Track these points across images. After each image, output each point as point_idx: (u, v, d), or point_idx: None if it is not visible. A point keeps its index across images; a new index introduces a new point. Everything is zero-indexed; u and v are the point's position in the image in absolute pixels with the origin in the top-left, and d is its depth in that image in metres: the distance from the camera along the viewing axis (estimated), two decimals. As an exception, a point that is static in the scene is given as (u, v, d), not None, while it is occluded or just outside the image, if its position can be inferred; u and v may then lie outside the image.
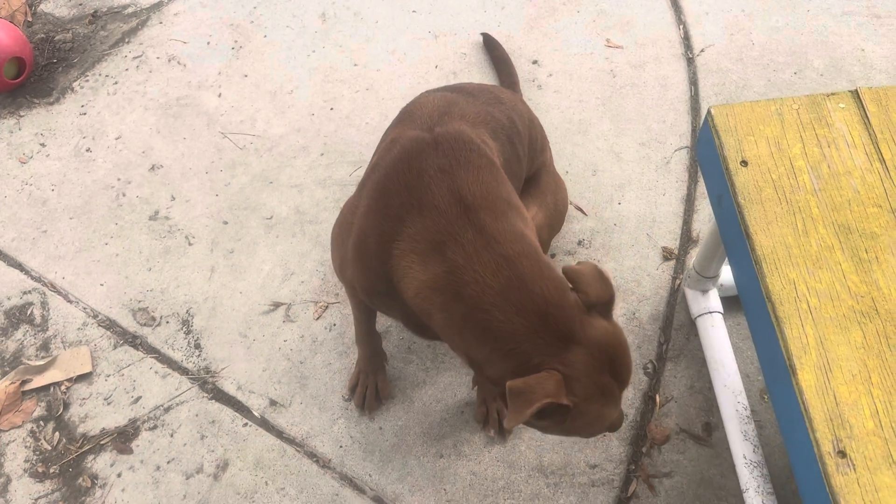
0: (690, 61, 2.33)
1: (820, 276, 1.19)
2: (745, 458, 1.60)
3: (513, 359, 1.11)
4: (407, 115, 1.42)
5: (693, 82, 2.28)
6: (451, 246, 1.15)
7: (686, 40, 2.38)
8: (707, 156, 1.41)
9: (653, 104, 2.23)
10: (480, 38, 2.38)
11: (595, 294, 1.14)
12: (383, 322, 1.87)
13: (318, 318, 1.91)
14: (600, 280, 1.16)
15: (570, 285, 1.16)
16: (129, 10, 2.60)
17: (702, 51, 2.35)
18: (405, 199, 1.21)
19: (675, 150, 2.13)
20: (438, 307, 1.17)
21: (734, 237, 1.31)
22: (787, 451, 1.17)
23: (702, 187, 2.05)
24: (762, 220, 1.26)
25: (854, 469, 1.03)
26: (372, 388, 1.75)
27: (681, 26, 2.41)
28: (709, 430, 1.71)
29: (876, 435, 1.05)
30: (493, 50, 2.31)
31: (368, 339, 1.71)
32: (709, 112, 1.38)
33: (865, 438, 1.05)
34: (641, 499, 1.63)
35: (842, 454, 1.04)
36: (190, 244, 2.05)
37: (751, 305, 1.27)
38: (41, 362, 1.87)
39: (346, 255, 1.37)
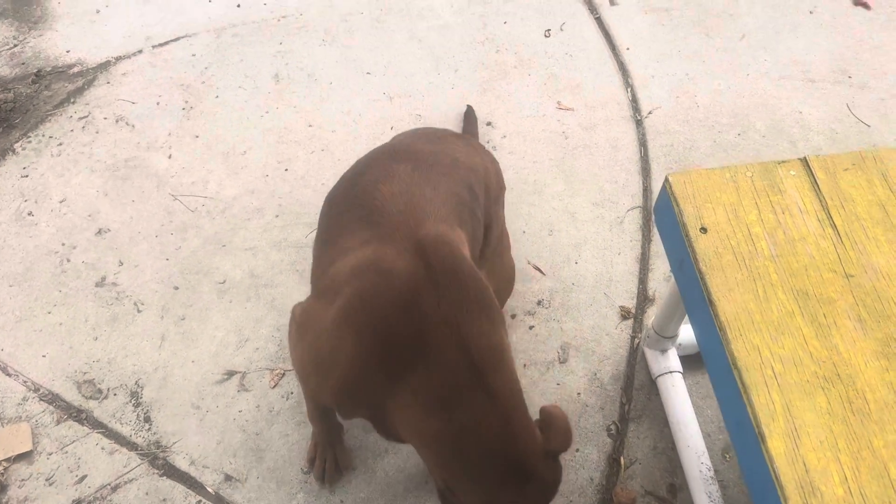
0: (639, 123, 2.39)
1: (782, 342, 1.21)
2: (711, 520, 1.60)
3: (485, 497, 1.19)
4: (370, 208, 1.35)
5: (642, 143, 2.34)
6: (459, 407, 1.17)
7: (634, 102, 2.45)
8: (666, 222, 1.44)
9: (604, 164, 2.28)
10: (434, 100, 2.40)
11: (557, 444, 1.22)
12: (343, 389, 1.82)
13: (274, 387, 1.85)
14: (566, 432, 1.24)
15: (539, 424, 1.24)
16: (75, 69, 2.55)
17: (649, 113, 2.42)
18: (410, 349, 1.18)
19: (628, 210, 2.17)
20: (432, 450, 1.21)
21: (696, 302, 1.32)
22: (758, 519, 1.16)
23: (655, 247, 2.09)
24: (723, 286, 1.28)
25: (828, 538, 1.03)
26: (331, 459, 1.69)
27: (628, 89, 2.49)
28: (674, 491, 1.70)
29: (846, 502, 1.06)
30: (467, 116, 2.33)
31: (323, 416, 1.64)
32: (667, 180, 1.41)
33: (837, 506, 1.06)
34: (610, 566, 1.60)
35: (815, 523, 1.05)
36: (139, 311, 1.98)
37: (716, 370, 1.28)
38: (-24, 441, 1.76)
39: (324, 375, 1.30)
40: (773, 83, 2.52)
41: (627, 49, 2.61)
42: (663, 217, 1.46)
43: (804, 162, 1.44)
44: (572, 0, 2.77)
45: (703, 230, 1.34)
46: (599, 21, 2.70)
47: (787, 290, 1.27)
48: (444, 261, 1.24)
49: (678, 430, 1.73)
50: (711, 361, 1.30)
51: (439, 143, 1.59)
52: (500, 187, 1.73)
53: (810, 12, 2.75)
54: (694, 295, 1.33)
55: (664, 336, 1.78)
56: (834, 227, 1.34)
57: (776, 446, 1.11)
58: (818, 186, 1.40)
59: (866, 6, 2.77)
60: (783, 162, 1.44)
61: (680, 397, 1.77)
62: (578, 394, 1.84)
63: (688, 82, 2.51)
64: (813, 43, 2.65)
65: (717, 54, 2.61)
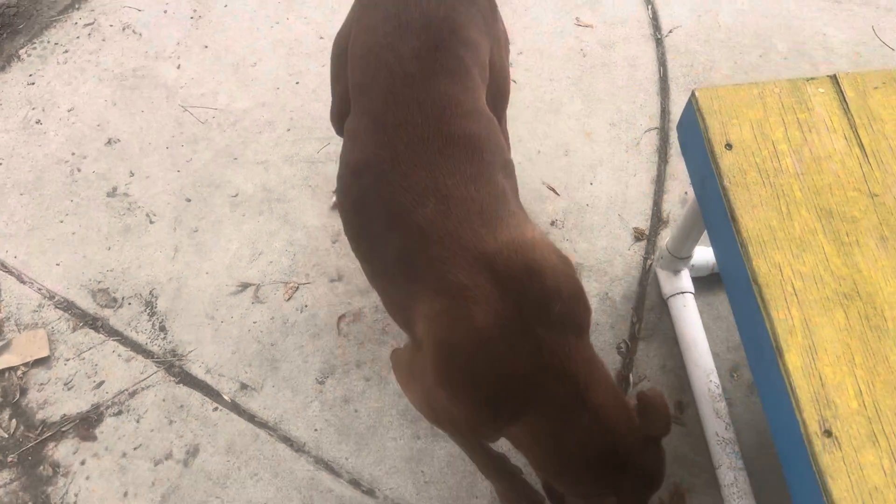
0: (659, 42, 2.33)
1: (804, 259, 1.21)
2: (717, 435, 1.64)
3: (585, 490, 1.20)
4: (416, 235, 1.18)
5: (662, 63, 2.29)
6: (568, 432, 1.16)
7: (654, 21, 2.39)
8: (690, 138, 1.42)
9: (623, 84, 2.24)
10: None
11: (657, 429, 1.22)
12: (356, 304, 1.84)
13: (288, 300, 1.86)
14: (664, 416, 1.23)
15: (638, 410, 1.23)
16: (79, -27, 2.47)
17: (670, 31, 2.36)
18: (514, 394, 1.15)
19: (645, 132, 2.14)
20: (532, 452, 1.22)
21: (718, 220, 1.32)
22: (770, 431, 1.19)
23: (671, 169, 2.07)
24: (747, 203, 1.27)
25: (840, 448, 1.05)
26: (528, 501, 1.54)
27: (649, 6, 2.41)
28: (681, 408, 1.73)
29: (860, 414, 1.08)
30: None
31: (496, 467, 1.50)
32: (693, 95, 1.38)
33: (850, 418, 1.08)
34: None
35: (828, 434, 1.07)
36: (151, 222, 1.98)
37: (735, 287, 1.28)
38: (-6, 346, 1.79)
39: (449, 423, 1.30)
40: (798, 3, 2.44)
41: (649, -36, 2.52)
42: (688, 133, 1.44)
43: (833, 79, 1.40)
44: (594, -89, 2.65)
45: (729, 146, 1.32)
46: (621, -66, 2.60)
47: (811, 208, 1.26)
48: (518, 277, 1.14)
49: (688, 349, 1.75)
50: (731, 278, 1.30)
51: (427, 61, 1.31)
52: (504, 39, 1.57)
53: (840, -70, 2.64)
54: (716, 212, 1.32)
55: (678, 257, 1.78)
56: (861, 145, 1.32)
57: (793, 361, 1.12)
58: (847, 105, 1.37)
59: (899, -76, 2.66)
60: (812, 79, 1.41)
61: (691, 317, 1.79)
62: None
63: (710, 1, 2.43)
64: (841, -38, 2.55)
65: (742, -28, 2.52)
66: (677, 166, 2.07)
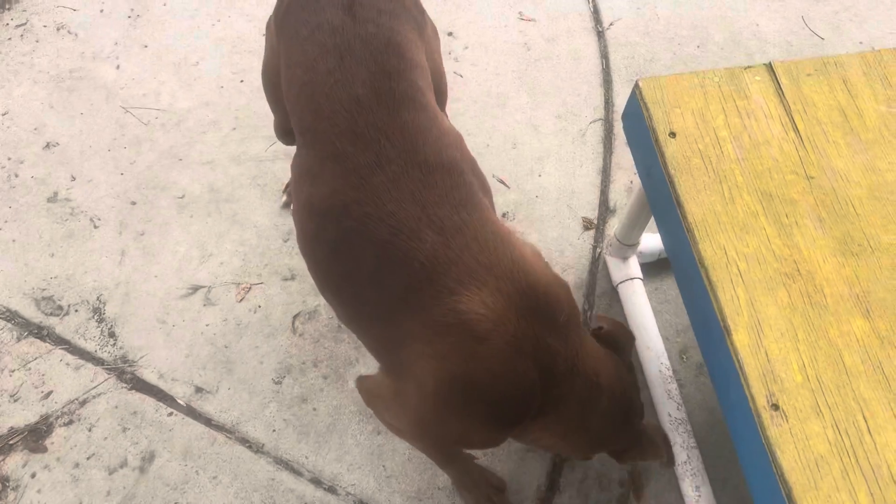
0: (601, 35, 2.38)
1: (747, 241, 1.26)
2: (669, 415, 1.69)
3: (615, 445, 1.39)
4: (397, 261, 1.15)
5: (604, 55, 2.33)
6: (592, 417, 1.28)
7: (596, 14, 2.43)
8: (635, 128, 1.46)
9: (567, 77, 2.27)
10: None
11: (627, 355, 1.43)
12: (311, 303, 1.83)
13: (241, 301, 1.84)
14: (629, 339, 1.46)
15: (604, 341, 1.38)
16: (8, -27, 2.39)
17: (611, 24, 2.40)
18: (545, 400, 1.21)
19: (590, 123, 2.18)
20: (567, 447, 1.33)
21: (665, 206, 1.35)
22: (721, 407, 1.23)
23: (617, 158, 2.12)
24: (692, 189, 1.31)
25: (787, 420, 1.10)
26: (485, 487, 1.59)
27: (590, 0, 2.46)
28: (634, 391, 1.78)
29: (804, 388, 1.13)
30: None
31: (451, 458, 1.54)
32: (637, 85, 1.42)
33: (795, 391, 1.12)
34: (574, 462, 1.68)
35: (775, 407, 1.11)
36: (95, 227, 1.93)
37: (682, 271, 1.32)
38: (-67, 360, 1.72)
39: (440, 441, 1.36)
40: (732, -5, 2.52)
41: (589, -41, 2.56)
42: (632, 123, 1.47)
43: (769, 67, 1.46)
44: None
45: (672, 135, 1.36)
46: (560, -71, 2.64)
47: (752, 192, 1.31)
48: (527, 296, 1.16)
49: (639, 333, 1.79)
50: (678, 262, 1.34)
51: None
52: (434, 35, 1.54)
53: (769, -76, 2.73)
54: (662, 199, 1.36)
55: (626, 244, 1.83)
56: (797, 130, 1.38)
57: (741, 339, 1.17)
58: (782, 91, 1.43)
59: (823, -82, 2.77)
60: (749, 67, 1.46)
61: (640, 302, 1.83)
62: (543, 302, 1.88)
63: (648, -6, 2.50)
64: (771, -45, 2.65)
65: (678, -35, 2.59)
66: (623, 156, 2.11)
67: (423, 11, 1.45)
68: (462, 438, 1.28)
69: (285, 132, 1.54)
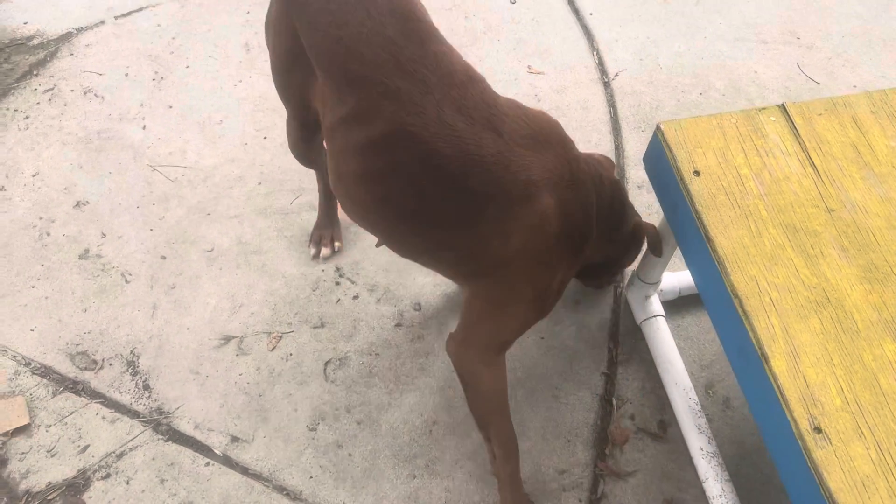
0: (607, 85, 2.48)
1: (776, 272, 1.31)
2: (701, 449, 1.71)
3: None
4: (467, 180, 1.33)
5: (611, 104, 2.43)
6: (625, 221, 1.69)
7: (601, 65, 2.53)
8: (658, 168, 1.52)
9: (577, 125, 2.36)
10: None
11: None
12: (341, 350, 1.87)
13: (272, 349, 1.87)
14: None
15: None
16: (35, 41, 2.48)
17: (616, 75, 2.51)
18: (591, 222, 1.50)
19: (603, 168, 2.25)
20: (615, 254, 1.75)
21: (693, 241, 1.41)
22: (762, 433, 1.26)
23: (632, 201, 2.18)
24: (719, 223, 1.37)
25: (830, 442, 1.14)
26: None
27: (594, 53, 2.57)
28: (664, 427, 1.81)
29: (844, 410, 1.17)
30: None
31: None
32: (658, 128, 1.49)
33: (836, 414, 1.16)
34: (610, 498, 1.70)
35: (818, 430, 1.15)
36: (127, 282, 1.97)
37: (715, 303, 1.37)
38: (-30, 418, 1.73)
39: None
40: (729, 45, 2.64)
41: (591, 14, 2.68)
42: (655, 164, 1.54)
43: (782, 108, 1.54)
44: (535, -33, 2.83)
45: (697, 173, 1.43)
46: (562, -13, 2.77)
47: (777, 225, 1.37)
48: (564, 144, 1.48)
49: (665, 370, 1.83)
50: (710, 294, 1.39)
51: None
52: None
53: (759, -23, 2.88)
54: (690, 234, 1.42)
55: (648, 282, 1.88)
56: (813, 166, 1.45)
57: (779, 365, 1.21)
58: (797, 130, 1.50)
59: (809, -29, 2.92)
60: (763, 109, 1.54)
61: (665, 339, 1.87)
62: (568, 342, 1.92)
63: (650, 45, 2.61)
64: (763, 6, 2.78)
65: (675, 18, 2.71)
66: (636, 199, 2.18)
67: None
68: (563, 283, 1.50)
69: (302, 124, 1.68)
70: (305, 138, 1.74)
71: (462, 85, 1.35)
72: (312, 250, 2.01)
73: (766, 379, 1.22)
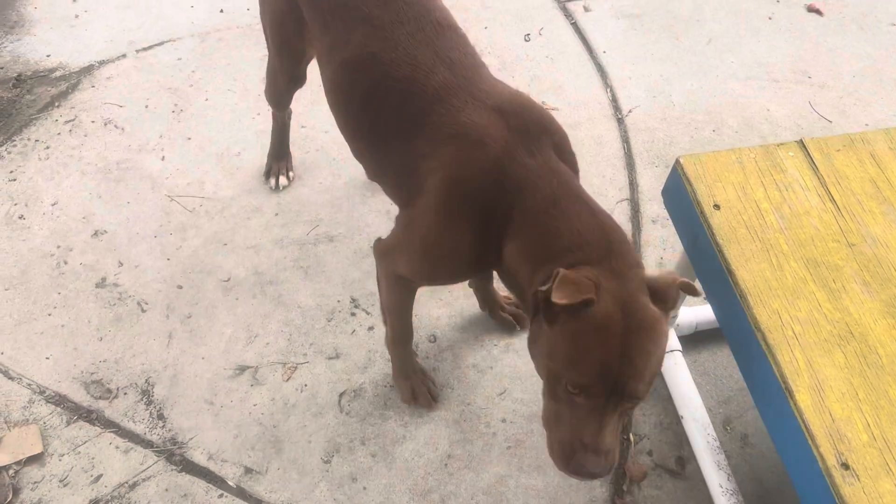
0: (620, 121, 2.50)
1: (799, 306, 1.31)
2: (721, 486, 1.68)
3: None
4: (419, 103, 1.40)
5: (625, 140, 2.45)
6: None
7: (614, 102, 2.56)
8: (677, 201, 1.53)
9: (591, 160, 2.38)
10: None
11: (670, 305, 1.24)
12: (356, 381, 1.86)
13: (287, 380, 1.86)
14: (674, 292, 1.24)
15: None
16: (57, 73, 2.52)
17: (629, 111, 2.53)
18: (509, 205, 1.32)
19: (617, 202, 2.26)
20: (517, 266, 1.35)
21: (714, 274, 1.41)
22: (787, 469, 1.25)
23: (645, 236, 2.19)
24: (740, 257, 1.37)
25: (858, 479, 1.12)
26: (426, 382, 1.84)
27: (608, 89, 2.60)
28: (682, 463, 1.78)
29: (871, 446, 1.15)
30: None
31: (406, 338, 1.77)
32: (678, 162, 1.50)
33: (863, 450, 1.15)
34: (629, 536, 1.67)
35: (845, 466, 1.13)
36: (143, 311, 1.97)
37: (736, 336, 1.37)
38: (-17, 446, 1.72)
39: (442, 262, 1.45)
40: (741, 83, 2.66)
41: (604, 52, 2.72)
42: (673, 197, 1.55)
43: (801, 144, 1.55)
44: (548, 6, 2.88)
45: (717, 207, 1.44)
46: (576, 26, 2.81)
47: (798, 259, 1.37)
48: (522, 117, 1.35)
49: (683, 406, 1.81)
50: (731, 328, 1.39)
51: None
52: None
53: (769, 18, 2.92)
54: (711, 267, 1.42)
55: (665, 317, 1.87)
56: (833, 201, 1.45)
57: (803, 400, 1.20)
58: (815, 166, 1.51)
59: (819, 13, 2.96)
60: (782, 144, 1.55)
61: (682, 374, 1.86)
62: (584, 376, 1.90)
63: (662, 83, 2.64)
64: (774, 46, 2.81)
65: (688, 57, 2.75)
66: (651, 233, 2.19)
67: None
68: (456, 254, 1.39)
69: (292, 77, 1.88)
70: (290, 89, 1.95)
71: (437, 24, 1.46)
72: (272, 181, 2.22)
73: (790, 414, 1.21)
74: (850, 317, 1.30)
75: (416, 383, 1.82)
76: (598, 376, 1.14)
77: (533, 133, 1.34)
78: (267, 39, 1.85)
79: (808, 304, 1.31)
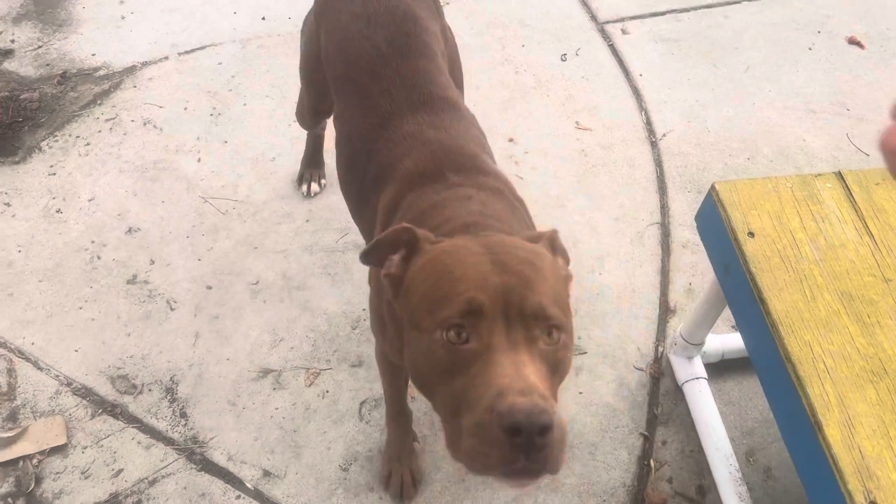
0: (654, 144, 2.49)
1: (831, 339, 1.29)
2: (742, 519, 1.66)
3: None
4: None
5: (658, 163, 2.44)
6: None
7: (648, 125, 2.56)
8: (710, 228, 1.52)
9: (623, 182, 2.37)
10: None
11: None
12: (377, 390, 1.86)
13: (310, 385, 1.87)
14: None
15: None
16: (101, 72, 2.57)
17: (664, 135, 2.52)
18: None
19: (648, 226, 2.25)
20: None
21: (745, 302, 1.40)
22: (812, 505, 1.23)
23: (675, 260, 2.17)
24: (773, 286, 1.35)
25: (887, 518, 1.10)
26: (407, 474, 1.70)
27: (643, 112, 2.59)
28: (702, 492, 1.76)
29: (901, 486, 1.13)
30: None
31: (399, 418, 1.68)
32: (713, 187, 1.50)
33: (892, 489, 1.12)
34: (645, 563, 1.65)
35: (874, 504, 1.11)
36: (172, 309, 1.99)
37: (766, 366, 1.35)
38: (9, 434, 1.74)
39: None
40: (778, 112, 2.64)
41: (640, 75, 2.72)
42: (707, 223, 1.54)
43: (839, 176, 1.53)
44: (587, 27, 2.88)
45: (751, 234, 1.43)
46: (613, 48, 2.81)
47: (832, 292, 1.35)
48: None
49: (706, 434, 1.79)
50: (761, 358, 1.37)
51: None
52: (450, 32, 1.75)
53: (809, 48, 2.90)
54: (742, 296, 1.41)
55: (692, 343, 1.85)
56: (870, 235, 1.44)
57: (833, 434, 1.18)
58: (853, 198, 1.49)
59: (860, 45, 2.94)
60: (820, 175, 1.54)
61: (707, 402, 1.84)
62: (607, 399, 1.89)
63: (698, 108, 2.63)
64: (813, 77, 2.79)
65: (724, 83, 2.73)
66: (681, 258, 2.17)
67: (440, 7, 1.70)
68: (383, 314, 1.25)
69: (315, 111, 1.89)
70: (314, 119, 1.99)
71: (430, 99, 1.41)
72: (304, 188, 2.25)
73: (819, 448, 1.19)
74: (883, 353, 1.27)
75: (396, 469, 1.70)
76: (477, 291, 0.90)
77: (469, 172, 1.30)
78: (300, 67, 1.86)
79: (841, 338, 1.29)
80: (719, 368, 1.94)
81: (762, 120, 2.61)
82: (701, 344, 1.87)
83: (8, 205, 2.19)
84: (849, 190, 1.51)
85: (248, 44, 2.70)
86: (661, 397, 1.91)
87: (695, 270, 2.15)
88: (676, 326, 1.98)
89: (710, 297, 1.70)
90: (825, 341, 1.28)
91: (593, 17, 2.94)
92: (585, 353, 1.97)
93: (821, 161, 2.50)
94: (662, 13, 2.99)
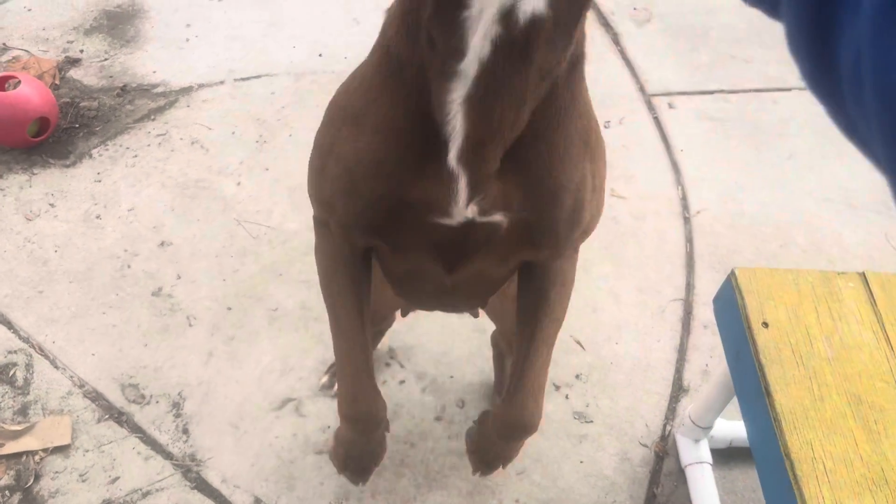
0: (687, 220, 2.49)
1: (834, 441, 1.26)
2: None
3: None
4: None
5: (689, 240, 2.43)
6: None
7: (684, 200, 2.56)
8: (726, 313, 1.51)
9: (651, 254, 2.37)
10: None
11: None
12: (380, 431, 1.86)
13: (311, 418, 1.88)
14: None
15: None
16: (159, 89, 2.68)
17: (698, 212, 2.52)
18: None
19: (671, 301, 2.24)
20: None
21: (751, 393, 1.38)
22: None
23: (694, 340, 2.15)
24: (781, 380, 1.34)
25: None
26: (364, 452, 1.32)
27: (679, 187, 2.60)
28: (693, 582, 1.71)
29: None
30: None
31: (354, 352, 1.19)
32: (733, 273, 1.49)
33: None
34: None
35: None
36: (190, 325, 2.03)
37: (765, 461, 1.32)
38: (17, 427, 1.79)
39: None
40: (816, 203, 2.62)
41: (681, 150, 2.73)
42: (724, 307, 1.53)
43: (862, 276, 1.52)
44: (634, 97, 2.92)
45: (765, 325, 1.41)
46: (657, 121, 2.84)
47: (842, 393, 1.33)
48: None
49: (704, 521, 1.75)
50: (761, 451, 1.35)
51: None
52: None
53: (856, 143, 2.88)
54: (749, 385, 1.39)
55: (700, 426, 1.83)
56: (888, 341, 1.41)
57: (825, 540, 1.15)
58: (874, 301, 1.47)
59: (908, 145, 2.91)
60: (842, 273, 1.52)
61: (708, 489, 1.80)
62: (608, 472, 1.87)
63: (736, 190, 2.62)
64: (856, 172, 2.77)
65: (765, 169, 2.73)
66: (700, 338, 2.15)
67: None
68: None
69: None
70: None
71: None
72: (324, 378, 1.95)
73: (809, 552, 1.16)
74: (886, 462, 1.24)
75: (351, 449, 1.32)
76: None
77: None
78: None
79: (845, 442, 1.26)
80: (726, 455, 1.90)
81: (800, 209, 2.59)
82: (709, 427, 1.84)
83: (52, 205, 2.28)
84: (870, 291, 1.49)
85: (302, 78, 2.79)
86: (663, 477, 1.87)
87: (713, 352, 2.12)
88: (688, 406, 1.95)
89: (721, 381, 1.68)
90: (828, 443, 1.26)
91: (641, 89, 2.98)
92: (591, 422, 1.95)
93: (855, 258, 2.46)
94: (711, 92, 3.01)
